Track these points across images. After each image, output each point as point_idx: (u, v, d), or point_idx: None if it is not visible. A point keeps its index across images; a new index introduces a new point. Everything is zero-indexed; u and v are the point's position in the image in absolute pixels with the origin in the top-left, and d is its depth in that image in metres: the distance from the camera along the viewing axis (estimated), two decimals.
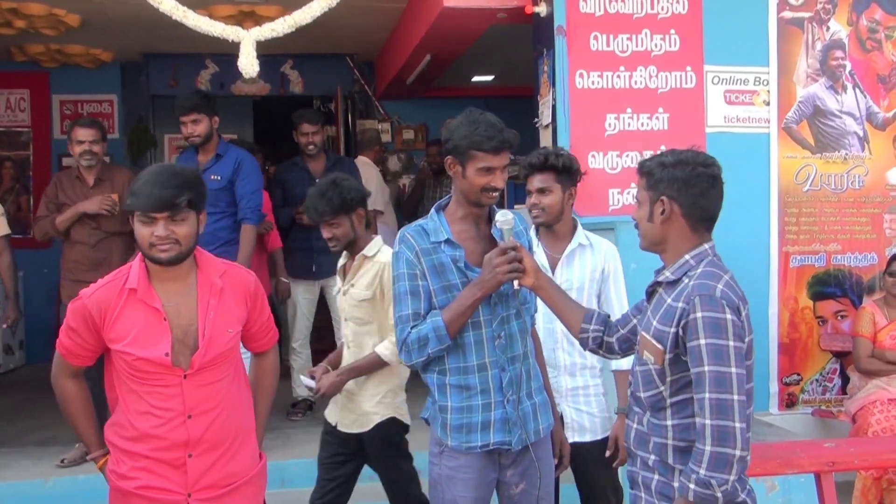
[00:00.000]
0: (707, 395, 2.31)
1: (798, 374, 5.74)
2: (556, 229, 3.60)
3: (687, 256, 2.52)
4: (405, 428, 3.87)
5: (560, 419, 3.22)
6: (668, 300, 2.48)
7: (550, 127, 5.39)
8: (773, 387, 5.72)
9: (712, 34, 5.46)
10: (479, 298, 2.76)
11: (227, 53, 5.15)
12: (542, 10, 5.32)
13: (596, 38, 5.31)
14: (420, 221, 2.93)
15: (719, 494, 2.31)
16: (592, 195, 5.32)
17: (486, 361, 2.82)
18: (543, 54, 5.47)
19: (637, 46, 5.37)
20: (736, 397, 2.30)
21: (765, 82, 5.58)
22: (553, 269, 3.59)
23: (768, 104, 5.59)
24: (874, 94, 5.76)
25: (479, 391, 2.84)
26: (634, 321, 2.72)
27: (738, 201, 5.43)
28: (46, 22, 6.86)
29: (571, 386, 3.58)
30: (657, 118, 5.42)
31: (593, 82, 5.33)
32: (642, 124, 5.40)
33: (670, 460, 2.47)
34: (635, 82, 5.38)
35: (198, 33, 5.18)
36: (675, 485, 2.45)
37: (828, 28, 5.68)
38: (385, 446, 3.80)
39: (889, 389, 5.16)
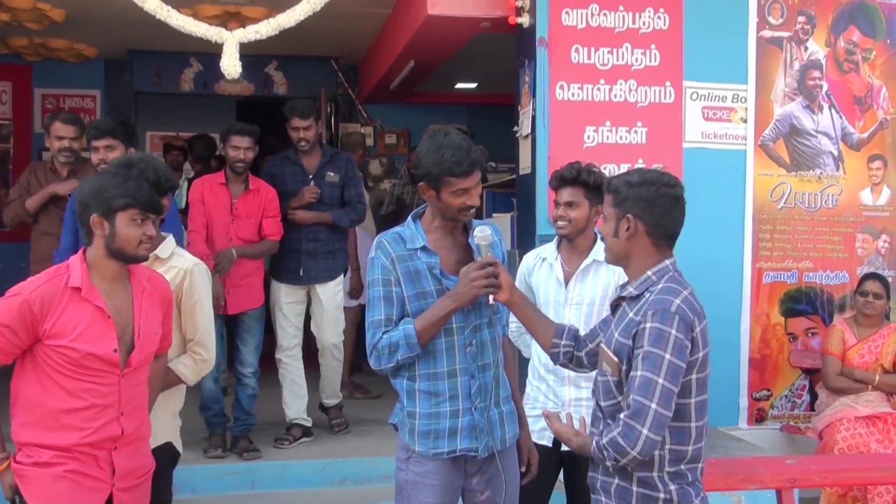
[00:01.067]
0: (632, 396, 2.43)
1: (768, 390, 5.80)
2: (576, 243, 3.63)
3: (649, 272, 2.61)
4: (178, 456, 3.49)
5: (527, 427, 3.25)
6: (630, 314, 2.58)
7: (530, 137, 5.43)
8: (743, 401, 5.78)
9: (692, 50, 5.52)
10: (452, 310, 2.81)
11: (211, 53, 5.16)
12: (524, 21, 5.36)
13: (577, 50, 5.36)
14: (397, 228, 2.97)
15: (609, 464, 2.53)
16: None
17: (457, 368, 2.86)
18: (525, 65, 5.51)
19: (618, 60, 5.42)
20: (654, 406, 2.41)
21: (743, 100, 5.65)
22: (567, 283, 3.63)
23: (745, 121, 5.66)
24: (850, 115, 5.84)
25: (448, 397, 2.87)
26: (601, 336, 2.78)
27: (713, 216, 5.56)
28: (31, 15, 6.83)
29: (575, 396, 3.60)
30: (636, 132, 5.46)
31: (573, 94, 5.37)
32: (621, 137, 5.45)
33: (629, 466, 2.56)
34: (615, 95, 5.43)
35: (183, 32, 5.18)
36: (634, 489, 2.55)
37: (806, 48, 5.76)
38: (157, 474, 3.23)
39: (856, 407, 5.22)
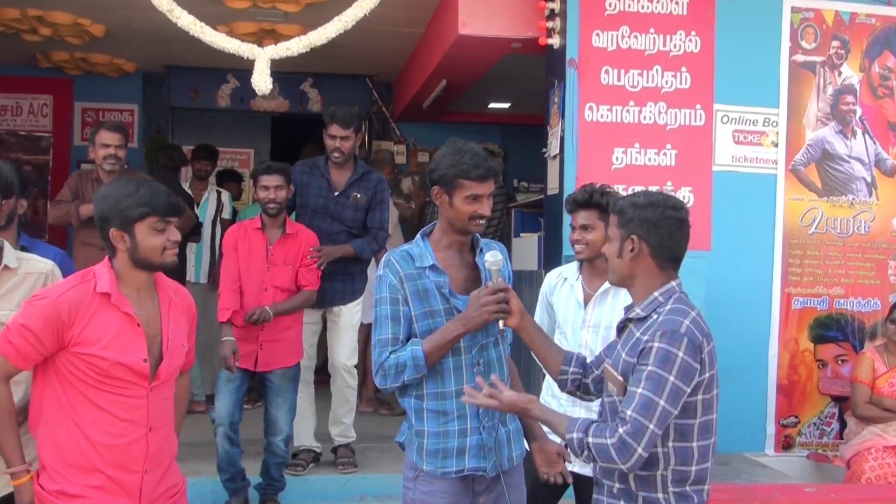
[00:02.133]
0: (633, 413, 2.42)
1: (796, 417, 5.73)
2: (596, 265, 3.62)
3: (656, 293, 2.61)
4: None
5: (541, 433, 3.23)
6: (638, 334, 2.57)
7: (558, 158, 5.43)
8: (771, 428, 5.71)
9: (723, 74, 5.51)
10: (462, 334, 2.80)
11: (248, 69, 5.21)
12: (555, 42, 5.38)
13: (607, 72, 5.37)
14: (405, 246, 2.96)
15: (583, 458, 2.52)
16: None
17: (465, 387, 2.85)
18: (555, 85, 5.52)
19: (648, 82, 5.42)
20: (652, 427, 2.41)
21: (774, 123, 5.61)
22: (586, 304, 3.61)
23: (776, 145, 5.62)
24: (884, 141, 5.78)
25: (456, 416, 2.86)
26: (607, 360, 2.78)
27: (742, 240, 5.53)
28: (71, 31, 7.00)
29: (586, 416, 3.60)
30: (665, 154, 5.45)
31: (602, 115, 5.38)
32: (650, 159, 5.43)
33: (633, 488, 2.56)
34: (644, 117, 5.42)
35: (216, 48, 5.27)
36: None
37: (840, 73, 5.71)
38: None
39: (885, 437, 5.13)
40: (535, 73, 5.96)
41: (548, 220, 5.76)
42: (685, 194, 5.42)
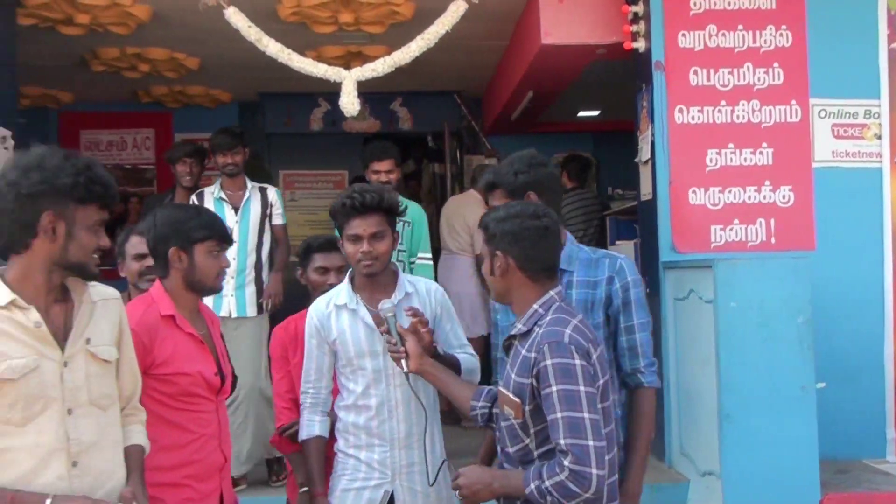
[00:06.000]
0: (565, 441, 2.35)
1: None
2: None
3: (535, 306, 2.56)
4: None
5: None
6: (523, 351, 2.51)
7: (650, 163, 5.35)
8: (891, 433, 5.44)
9: (818, 66, 5.33)
10: None
11: (338, 92, 5.34)
12: (640, 45, 5.31)
13: (696, 72, 5.26)
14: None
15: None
16: (694, 232, 5.24)
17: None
18: (643, 90, 5.44)
19: (739, 80, 5.28)
20: (592, 443, 2.35)
21: (875, 115, 5.39)
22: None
23: (880, 138, 5.39)
24: None
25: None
26: (499, 384, 2.73)
27: (849, 238, 5.34)
28: (168, 65, 7.26)
29: None
30: (761, 153, 5.30)
31: (693, 117, 5.27)
32: (745, 159, 5.29)
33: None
34: (737, 117, 5.29)
35: (304, 73, 5.40)
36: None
37: None
38: None
39: None
40: (623, 78, 5.89)
41: (643, 226, 5.67)
42: (784, 193, 5.26)
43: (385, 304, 2.88)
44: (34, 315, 2.24)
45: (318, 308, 3.12)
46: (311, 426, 3.13)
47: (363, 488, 3.03)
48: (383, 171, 5.01)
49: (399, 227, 5.35)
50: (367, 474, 3.03)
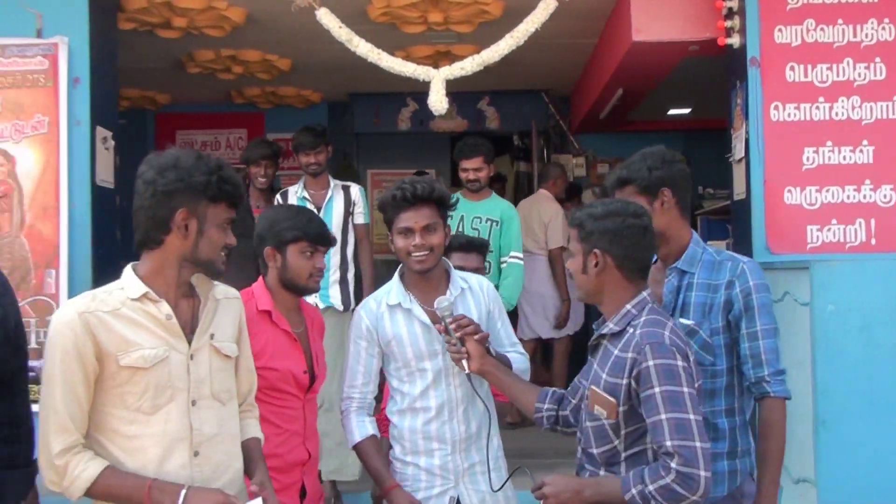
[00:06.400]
0: (672, 442, 2.30)
1: None
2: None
3: (628, 306, 2.52)
4: None
5: None
6: (616, 351, 2.47)
7: (744, 161, 5.22)
8: None
9: None
10: None
11: (426, 92, 5.36)
12: (734, 41, 5.18)
13: (793, 68, 5.11)
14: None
15: None
16: (789, 232, 5.10)
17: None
18: (737, 87, 5.32)
19: (838, 76, 5.11)
20: (699, 444, 2.31)
21: None
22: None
23: None
24: None
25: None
26: (584, 385, 2.66)
27: None
28: (261, 67, 7.41)
29: None
30: (861, 151, 5.12)
31: (789, 115, 5.12)
32: (844, 157, 5.12)
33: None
34: (836, 114, 5.12)
35: (394, 73, 5.44)
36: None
37: None
38: None
39: None
40: (716, 75, 5.77)
41: (736, 226, 5.54)
42: (886, 192, 5.07)
43: (442, 303, 2.83)
44: (165, 308, 2.34)
45: (369, 309, 3.01)
46: (363, 426, 2.99)
47: (427, 498, 2.95)
48: (471, 169, 5.06)
49: (486, 227, 5.44)
50: (428, 482, 2.95)
